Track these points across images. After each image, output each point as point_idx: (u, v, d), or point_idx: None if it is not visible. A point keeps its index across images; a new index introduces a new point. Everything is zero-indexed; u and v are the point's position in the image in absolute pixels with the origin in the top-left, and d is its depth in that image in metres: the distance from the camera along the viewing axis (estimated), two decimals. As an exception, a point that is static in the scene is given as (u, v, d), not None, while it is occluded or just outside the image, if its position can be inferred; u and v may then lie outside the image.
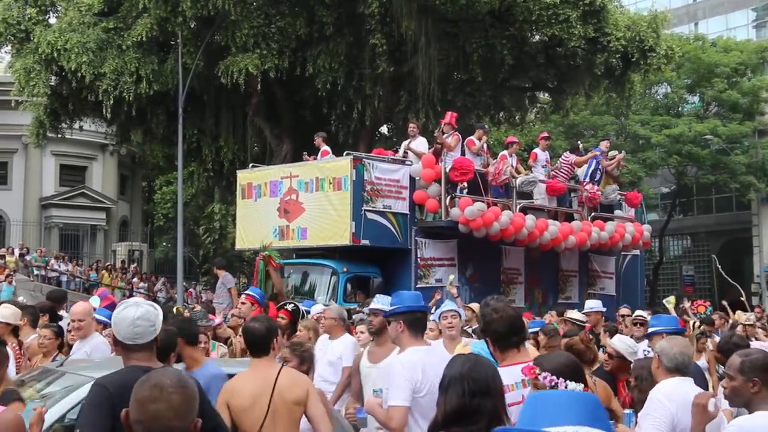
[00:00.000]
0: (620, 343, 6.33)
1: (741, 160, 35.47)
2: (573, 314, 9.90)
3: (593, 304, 11.50)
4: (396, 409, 4.74)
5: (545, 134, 19.17)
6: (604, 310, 11.78)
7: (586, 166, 18.30)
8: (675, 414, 4.38)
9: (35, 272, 31.34)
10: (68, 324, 7.51)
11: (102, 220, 43.39)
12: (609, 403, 5.68)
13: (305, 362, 5.72)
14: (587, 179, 18.28)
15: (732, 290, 36.66)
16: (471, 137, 16.95)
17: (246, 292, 10.06)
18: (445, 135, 16.37)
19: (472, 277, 16.53)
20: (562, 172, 18.13)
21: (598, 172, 18.37)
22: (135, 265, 37.44)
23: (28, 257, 32.24)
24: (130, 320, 3.66)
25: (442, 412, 3.36)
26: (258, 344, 5.00)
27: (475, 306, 11.73)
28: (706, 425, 4.12)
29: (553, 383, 3.49)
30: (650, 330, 6.65)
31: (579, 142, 21.84)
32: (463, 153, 16.41)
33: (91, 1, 24.98)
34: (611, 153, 20.03)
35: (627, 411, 5.46)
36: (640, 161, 35.55)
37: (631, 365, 6.36)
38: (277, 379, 4.86)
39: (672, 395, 4.47)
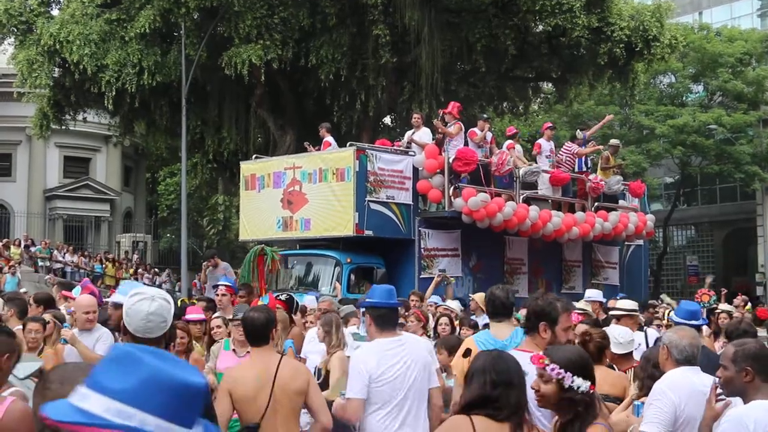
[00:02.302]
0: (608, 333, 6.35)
1: (745, 149, 35.36)
2: (580, 304, 9.87)
3: (592, 294, 11.46)
4: (350, 401, 5.03)
5: (550, 124, 19.15)
6: (604, 300, 11.74)
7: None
8: (678, 404, 4.37)
9: (40, 264, 31.40)
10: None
11: (106, 211, 43.42)
12: (623, 393, 5.66)
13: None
14: (583, 167, 18.30)
15: (738, 281, 36.80)
16: (473, 128, 16.95)
17: (221, 283, 9.82)
18: (447, 124, 16.38)
19: (475, 267, 16.55)
20: (565, 162, 18.11)
21: (588, 158, 18.42)
22: (137, 256, 37.46)
23: (32, 249, 32.29)
24: (144, 314, 3.64)
25: (463, 401, 3.48)
26: (258, 334, 5.03)
27: (478, 296, 11.77)
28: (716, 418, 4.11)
29: (560, 376, 3.50)
30: (675, 319, 6.63)
31: (580, 130, 21.80)
32: (466, 143, 16.40)
33: (94, -7, 24.97)
34: (612, 141, 20.08)
35: (637, 402, 5.45)
36: (644, 152, 35.47)
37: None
38: (278, 369, 4.90)
39: (676, 385, 4.46)
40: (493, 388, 3.38)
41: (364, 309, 5.59)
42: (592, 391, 3.54)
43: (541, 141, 18.08)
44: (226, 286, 9.38)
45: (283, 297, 8.55)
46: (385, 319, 5.25)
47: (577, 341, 6.39)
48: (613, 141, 20.15)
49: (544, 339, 4.42)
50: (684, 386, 4.45)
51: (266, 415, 4.79)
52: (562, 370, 3.50)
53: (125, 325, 3.71)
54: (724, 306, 13.04)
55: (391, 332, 5.26)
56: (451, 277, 15.07)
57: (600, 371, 4.90)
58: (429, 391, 5.26)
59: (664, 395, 4.42)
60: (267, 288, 14.23)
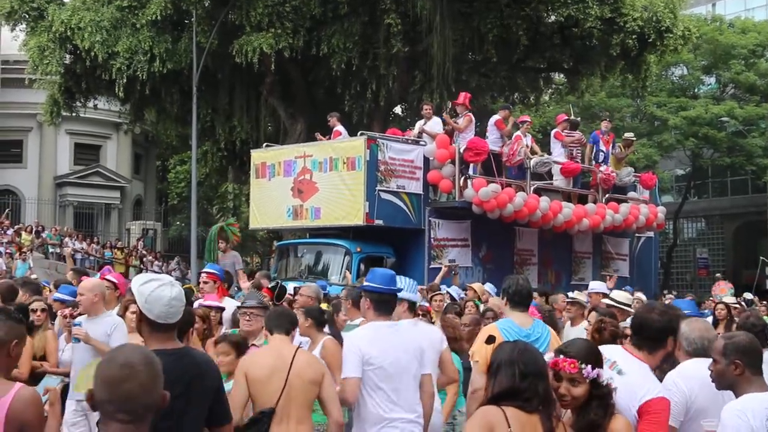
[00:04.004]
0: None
1: (757, 142, 35.20)
2: (578, 295, 9.75)
3: (596, 286, 11.37)
4: (346, 381, 5.07)
5: (565, 116, 19.13)
6: (607, 292, 11.67)
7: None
8: (689, 395, 4.36)
9: (50, 250, 31.50)
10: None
11: (116, 198, 43.57)
12: None
13: None
14: (593, 161, 18.22)
15: (748, 274, 36.61)
16: (498, 118, 16.90)
17: (205, 270, 9.36)
18: (458, 115, 16.35)
19: (485, 257, 16.53)
20: (576, 150, 18.03)
21: (601, 153, 18.29)
22: (143, 246, 37.48)
23: (43, 235, 32.41)
24: (167, 300, 3.64)
25: (490, 393, 3.50)
26: (280, 324, 5.19)
27: (477, 286, 11.72)
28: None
29: (595, 375, 3.57)
30: None
31: (577, 118, 21.61)
32: (483, 135, 16.38)
33: (106, -20, 24.94)
34: (626, 135, 19.97)
35: None
36: (656, 144, 35.31)
37: None
38: (294, 357, 4.97)
39: (687, 376, 4.44)
40: (522, 379, 3.43)
41: (361, 291, 5.57)
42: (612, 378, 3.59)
43: (559, 130, 18.03)
44: (208, 273, 9.00)
45: (269, 285, 8.41)
46: (384, 305, 5.31)
47: (591, 329, 6.38)
48: (628, 134, 20.06)
49: (666, 351, 4.37)
50: (695, 377, 4.43)
51: (281, 401, 4.83)
52: (596, 370, 3.54)
53: (143, 313, 3.68)
54: (727, 298, 13.01)
55: (386, 317, 5.32)
56: (458, 265, 15.06)
57: None
58: (421, 377, 5.31)
59: (675, 386, 4.40)
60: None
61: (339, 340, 6.16)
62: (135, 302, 6.41)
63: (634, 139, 20.56)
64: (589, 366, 3.56)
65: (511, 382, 3.43)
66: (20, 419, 3.34)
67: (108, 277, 8.28)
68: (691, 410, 4.36)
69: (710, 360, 4.57)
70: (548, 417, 3.39)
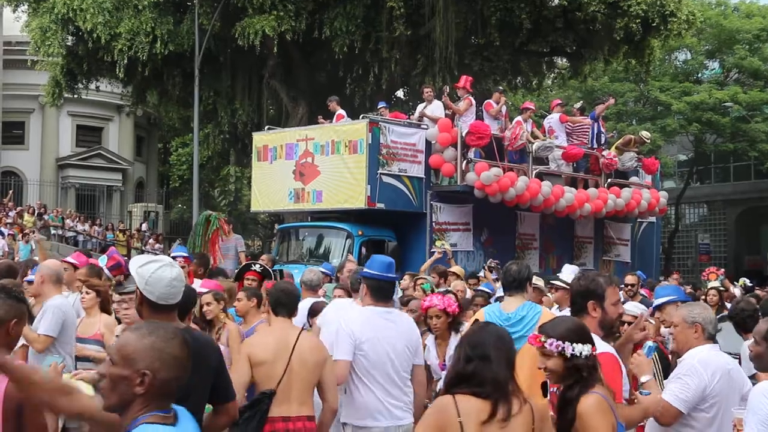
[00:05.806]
0: (636, 308, 6.24)
1: (761, 128, 35.04)
2: (536, 281, 9.60)
3: (570, 270, 11.17)
4: (337, 363, 5.14)
5: (559, 101, 19.13)
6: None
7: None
8: (709, 383, 4.33)
9: (52, 232, 31.53)
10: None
11: (118, 181, 43.60)
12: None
13: None
14: (594, 143, 18.16)
15: (750, 260, 36.63)
16: (489, 100, 16.86)
17: (180, 254, 9.12)
18: (459, 99, 16.29)
19: (486, 241, 16.52)
20: (579, 135, 17.97)
21: (603, 135, 18.24)
22: (146, 226, 37.50)
23: (45, 217, 32.44)
24: (168, 281, 3.64)
25: (446, 379, 3.45)
26: (285, 304, 5.25)
27: (457, 269, 11.69)
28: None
29: (559, 348, 3.51)
30: (660, 300, 6.58)
31: (581, 102, 21.52)
32: (480, 117, 16.32)
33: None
34: (644, 133, 19.83)
35: (649, 343, 5.31)
36: (659, 129, 35.20)
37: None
38: (297, 340, 5.00)
39: (708, 363, 4.41)
40: (467, 363, 3.30)
41: (360, 278, 5.62)
42: (594, 353, 3.55)
43: (554, 117, 17.97)
44: (183, 257, 8.84)
45: (257, 268, 8.29)
46: (382, 291, 5.35)
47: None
48: (644, 133, 19.92)
49: (595, 318, 4.27)
50: (713, 363, 4.42)
51: (282, 384, 4.87)
52: (560, 342, 3.51)
53: (144, 295, 3.67)
54: (713, 283, 12.96)
55: (384, 303, 5.36)
56: (443, 249, 14.96)
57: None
58: (413, 368, 5.35)
59: (695, 372, 4.36)
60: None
61: None
62: (88, 281, 6.50)
63: (649, 141, 20.37)
64: (553, 339, 3.52)
65: (456, 366, 3.33)
66: (17, 398, 3.34)
67: (68, 258, 8.04)
68: (710, 396, 4.34)
69: (718, 346, 4.59)
70: (501, 402, 3.25)
